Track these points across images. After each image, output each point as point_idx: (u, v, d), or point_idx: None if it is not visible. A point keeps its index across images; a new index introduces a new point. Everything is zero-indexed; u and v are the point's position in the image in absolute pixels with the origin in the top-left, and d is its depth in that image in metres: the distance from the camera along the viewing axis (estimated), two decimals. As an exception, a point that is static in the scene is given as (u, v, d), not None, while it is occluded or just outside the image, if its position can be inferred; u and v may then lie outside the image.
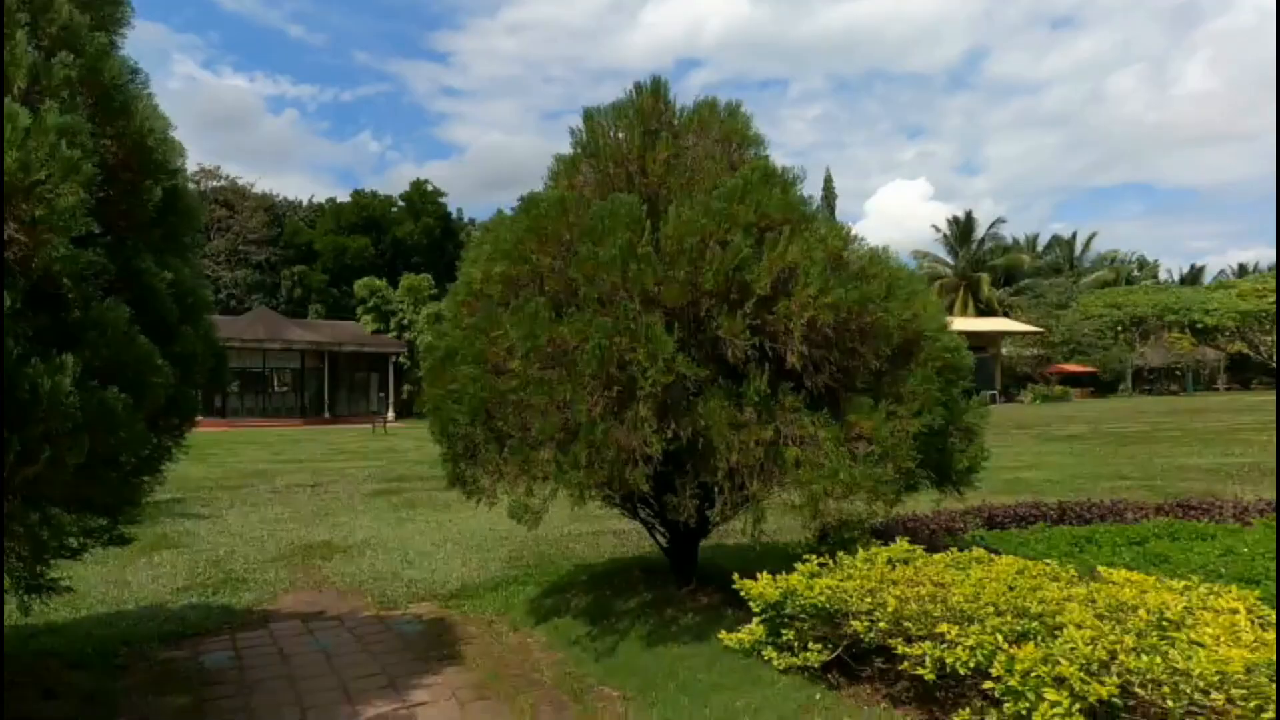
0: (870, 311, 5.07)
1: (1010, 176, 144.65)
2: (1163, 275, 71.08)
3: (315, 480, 14.76)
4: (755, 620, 4.35)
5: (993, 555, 4.34)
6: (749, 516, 4.83)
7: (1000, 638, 3.04)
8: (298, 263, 53.82)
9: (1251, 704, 2.43)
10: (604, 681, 4.48)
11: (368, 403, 43.25)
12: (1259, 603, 3.37)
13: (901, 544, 4.69)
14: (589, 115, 5.85)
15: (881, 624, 3.56)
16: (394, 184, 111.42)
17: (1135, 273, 68.49)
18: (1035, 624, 3.16)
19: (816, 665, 3.92)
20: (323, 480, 14.75)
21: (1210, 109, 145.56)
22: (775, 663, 4.10)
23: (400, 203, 56.64)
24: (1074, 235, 72.40)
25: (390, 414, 40.36)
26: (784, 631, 4.09)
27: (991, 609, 3.31)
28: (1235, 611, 3.18)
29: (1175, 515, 7.36)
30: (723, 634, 4.43)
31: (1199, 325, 54.30)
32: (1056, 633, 3.06)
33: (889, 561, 4.38)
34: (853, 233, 5.73)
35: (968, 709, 3.22)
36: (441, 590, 6.89)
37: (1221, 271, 71.59)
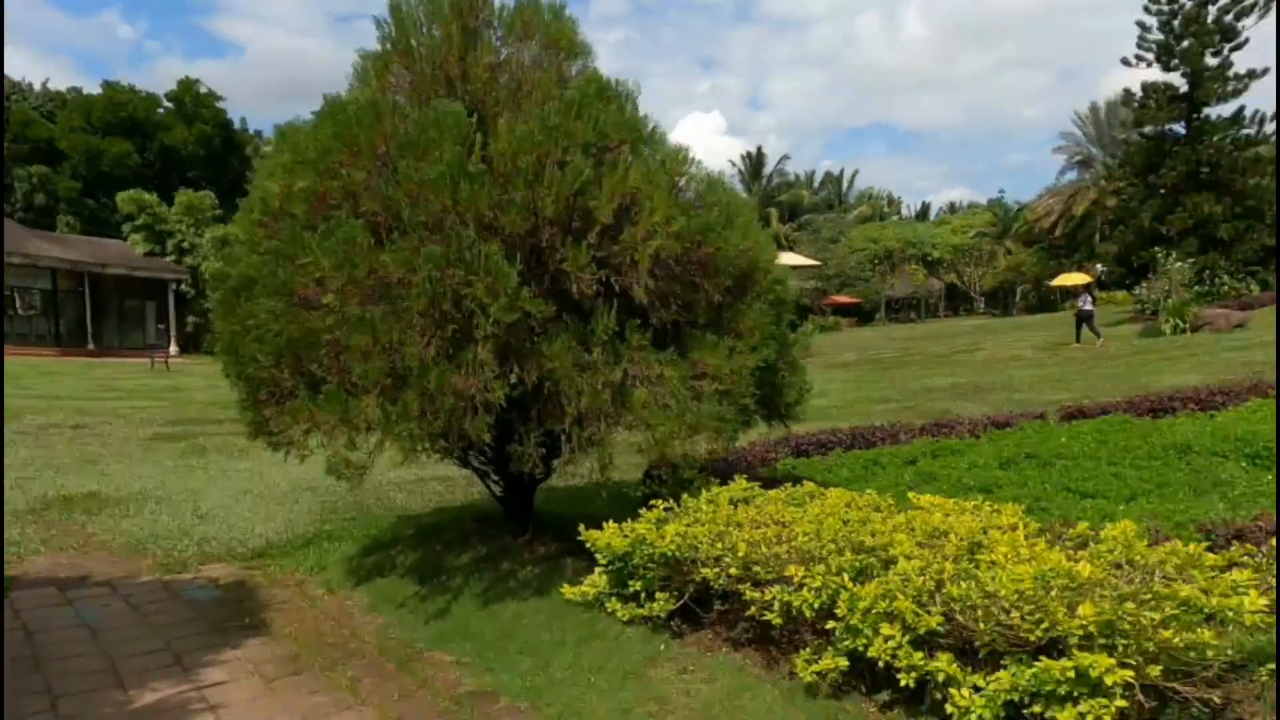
0: (712, 241, 4.94)
1: (790, 114, 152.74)
2: (904, 211, 77.67)
3: (79, 421, 12.61)
4: (598, 571, 4.21)
5: (823, 490, 4.46)
6: (594, 460, 4.62)
7: (846, 578, 3.08)
8: (34, 161, 45.29)
9: (1037, 619, 2.56)
10: (436, 646, 4.15)
11: (144, 335, 38.12)
12: (1024, 515, 3.71)
13: (740, 482, 4.71)
14: (396, 6, 5.10)
15: (732, 569, 3.53)
16: (157, 81, 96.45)
17: (885, 209, 74.56)
18: (871, 559, 3.23)
19: (662, 615, 3.85)
20: (88, 421, 12.62)
21: (924, 56, 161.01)
22: (620, 614, 3.99)
23: (167, 103, 48.96)
24: (841, 172, 77.40)
25: (173, 349, 35.98)
26: (631, 582, 3.98)
27: (833, 546, 3.36)
28: (1014, 528, 3.44)
29: (932, 435, 8.25)
30: (565, 588, 4.25)
31: (929, 258, 60.81)
32: (890, 565, 3.15)
33: (732, 502, 4.38)
34: (690, 157, 5.54)
35: (807, 649, 3.27)
36: (242, 549, 6.13)
37: (940, 209, 79.35)
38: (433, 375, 3.93)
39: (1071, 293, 26.56)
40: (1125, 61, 29.21)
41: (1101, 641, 2.34)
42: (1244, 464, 5.51)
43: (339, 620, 4.67)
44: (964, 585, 2.71)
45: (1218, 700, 2.35)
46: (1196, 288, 22.58)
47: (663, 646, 3.73)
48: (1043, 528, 3.40)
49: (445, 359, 4.04)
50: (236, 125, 52.01)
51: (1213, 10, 27.25)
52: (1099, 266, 40.24)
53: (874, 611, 2.86)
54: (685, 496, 4.49)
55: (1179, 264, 22.61)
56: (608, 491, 6.15)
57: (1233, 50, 27.25)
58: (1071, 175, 57.88)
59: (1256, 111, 27.73)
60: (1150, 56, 28.45)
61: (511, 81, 5.28)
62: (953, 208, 77.90)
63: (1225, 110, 27.80)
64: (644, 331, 4.76)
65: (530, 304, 4.24)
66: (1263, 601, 2.34)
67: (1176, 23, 27.81)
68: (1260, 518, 3.88)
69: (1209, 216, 25.95)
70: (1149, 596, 2.37)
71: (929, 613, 2.74)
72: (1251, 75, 27.01)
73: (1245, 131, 27.59)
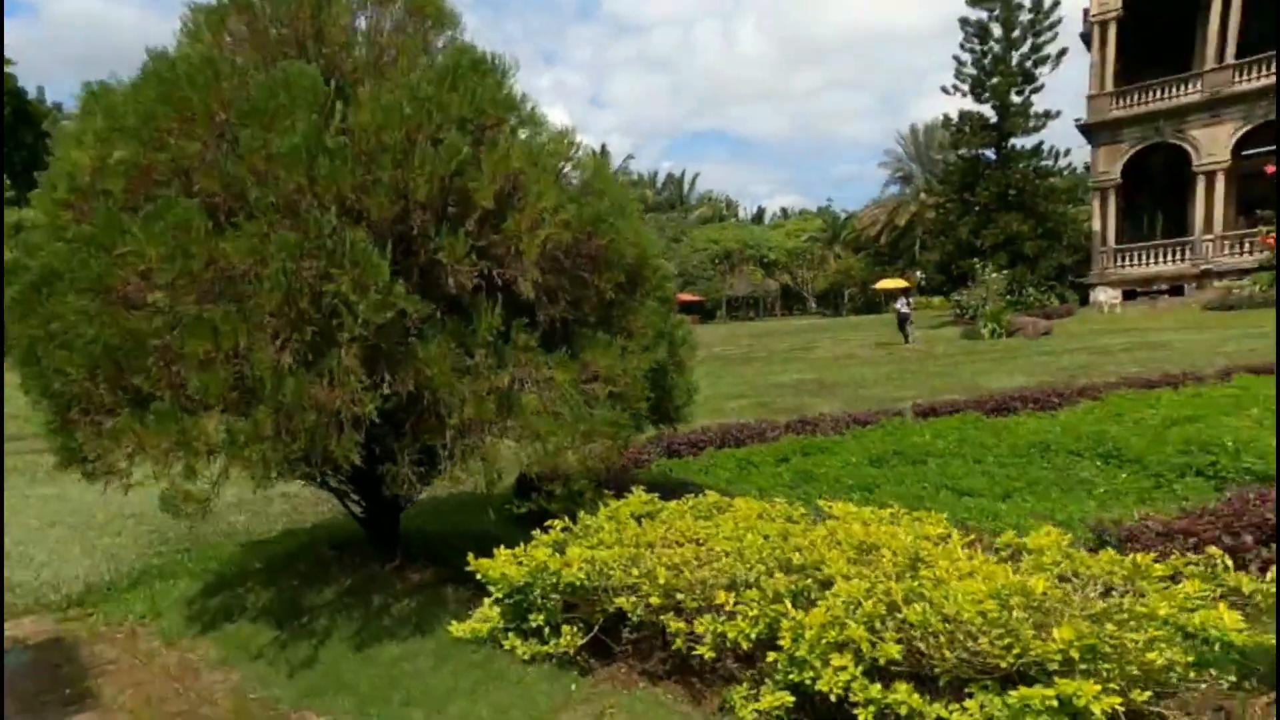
0: (604, 233, 4.58)
1: (632, 114, 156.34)
2: (741, 214, 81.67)
3: None
4: (489, 603, 3.71)
5: (730, 501, 4.21)
6: (478, 475, 4.10)
7: (789, 604, 2.81)
8: None
9: (1006, 644, 2.42)
10: (306, 704, 3.45)
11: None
12: (945, 521, 3.65)
13: (640, 494, 4.37)
14: (232, -50, 4.35)
15: (652, 598, 3.16)
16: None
17: (725, 211, 78.26)
18: (807, 580, 2.99)
19: (570, 651, 3.42)
20: None
21: (760, 68, 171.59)
22: (520, 652, 3.52)
23: (-64, 67, 41.70)
24: (683, 174, 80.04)
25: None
26: (531, 616, 3.51)
27: (762, 568, 3.10)
28: (947, 538, 3.34)
29: (797, 432, 8.38)
30: (452, 624, 3.71)
31: (766, 259, 64.48)
32: (828, 586, 2.93)
33: (635, 518, 4.03)
34: (576, 141, 5.18)
35: (743, 684, 2.98)
36: (55, 595, 5.00)
37: (774, 214, 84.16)
38: (289, 387, 3.27)
39: (893, 296, 28.87)
40: (945, 90, 32.34)
41: (1083, 666, 2.20)
42: (1099, 463, 5.86)
43: (183, 680, 3.81)
44: (919, 608, 2.51)
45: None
46: (1008, 297, 24.92)
47: (573, 687, 3.30)
48: (974, 538, 3.30)
49: (304, 367, 3.39)
50: (32, 95, 45.28)
51: (1016, 55, 30.84)
52: (919, 274, 43.87)
53: (823, 641, 2.60)
54: (582, 514, 4.09)
55: (995, 274, 24.88)
56: (474, 501, 5.61)
57: (1032, 92, 31.01)
58: (894, 189, 62.94)
59: (1052, 147, 32.18)
60: (965, 87, 31.75)
61: (373, 48, 4.67)
62: (785, 213, 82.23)
63: (1029, 142, 31.64)
64: (531, 331, 4.32)
65: (406, 301, 3.68)
66: (1239, 617, 2.30)
67: (987, 61, 31.14)
68: (1147, 519, 4.03)
69: (1017, 234, 29.01)
70: (1126, 616, 2.26)
71: (883, 639, 2.52)
72: (1048, 115, 30.93)
73: (1045, 163, 31.58)
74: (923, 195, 54.32)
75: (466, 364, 3.97)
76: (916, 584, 2.70)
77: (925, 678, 2.56)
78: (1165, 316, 22.61)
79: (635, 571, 3.29)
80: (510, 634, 3.58)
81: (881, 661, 2.51)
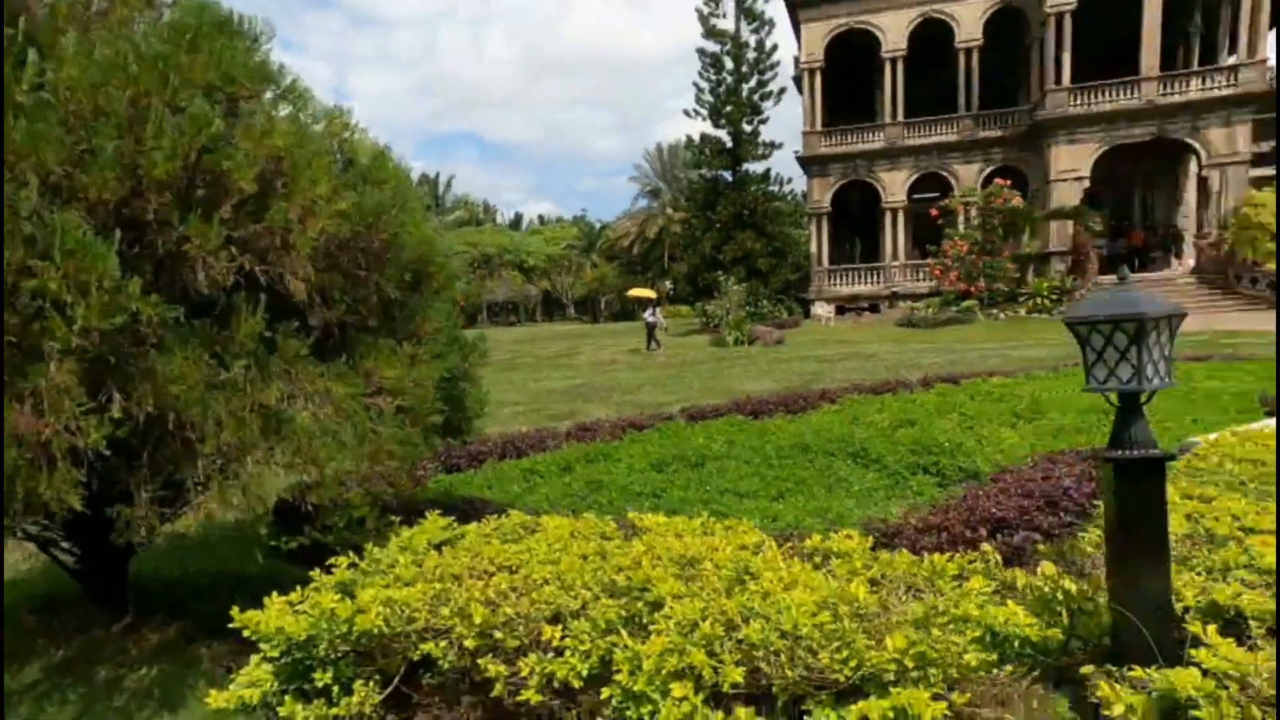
0: (387, 226, 4.15)
1: (378, 110, 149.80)
2: (499, 219, 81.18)
3: None
4: (257, 661, 3.10)
5: (537, 519, 3.97)
6: (236, 505, 3.45)
7: (625, 634, 2.64)
8: None
9: (844, 656, 2.49)
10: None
11: None
12: (755, 529, 3.75)
13: (435, 519, 3.97)
14: None
15: (467, 640, 2.82)
16: None
17: (482, 215, 77.55)
18: (638, 604, 2.86)
19: (367, 710, 2.96)
20: None
21: (508, 77, 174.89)
22: (300, 717, 2.97)
23: None
24: (437, 175, 77.77)
25: None
26: (317, 674, 2.99)
27: (587, 594, 2.91)
28: (761, 546, 3.42)
29: (577, 439, 8.40)
30: (211, 693, 3.05)
31: (525, 265, 65.16)
32: (658, 608, 2.82)
33: (433, 546, 3.64)
34: (352, 122, 4.68)
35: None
36: None
37: (531, 220, 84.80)
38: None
39: (644, 304, 30.48)
40: (687, 113, 35.01)
41: (914, 674, 2.28)
42: (850, 462, 6.47)
43: None
44: (759, 626, 2.48)
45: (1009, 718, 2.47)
46: (747, 308, 27.19)
47: (370, 754, 2.85)
48: (790, 545, 3.37)
49: (-6, 384, 2.59)
50: None
51: (745, 89, 34.24)
52: (668, 283, 46.46)
53: (663, 671, 2.47)
54: (369, 546, 3.60)
55: (736, 287, 27.05)
56: (227, 538, 4.85)
57: (760, 123, 34.68)
58: (644, 202, 66.11)
59: (778, 174, 35.91)
60: (705, 112, 34.65)
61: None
62: (542, 220, 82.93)
63: (760, 168, 35.33)
64: (303, 337, 3.78)
65: (141, 303, 2.99)
66: (1030, 615, 2.54)
67: (722, 90, 34.21)
68: (908, 516, 4.46)
69: (751, 251, 32.03)
70: (946, 620, 2.39)
71: (724, 663, 2.45)
72: (773, 145, 34.80)
73: (772, 188, 35.42)
74: (669, 210, 57.79)
75: (222, 378, 3.33)
76: (747, 599, 2.68)
77: (760, 698, 2.54)
78: (868, 330, 26.07)
79: (445, 611, 2.93)
80: (288, 697, 3.01)
81: (725, 687, 2.44)
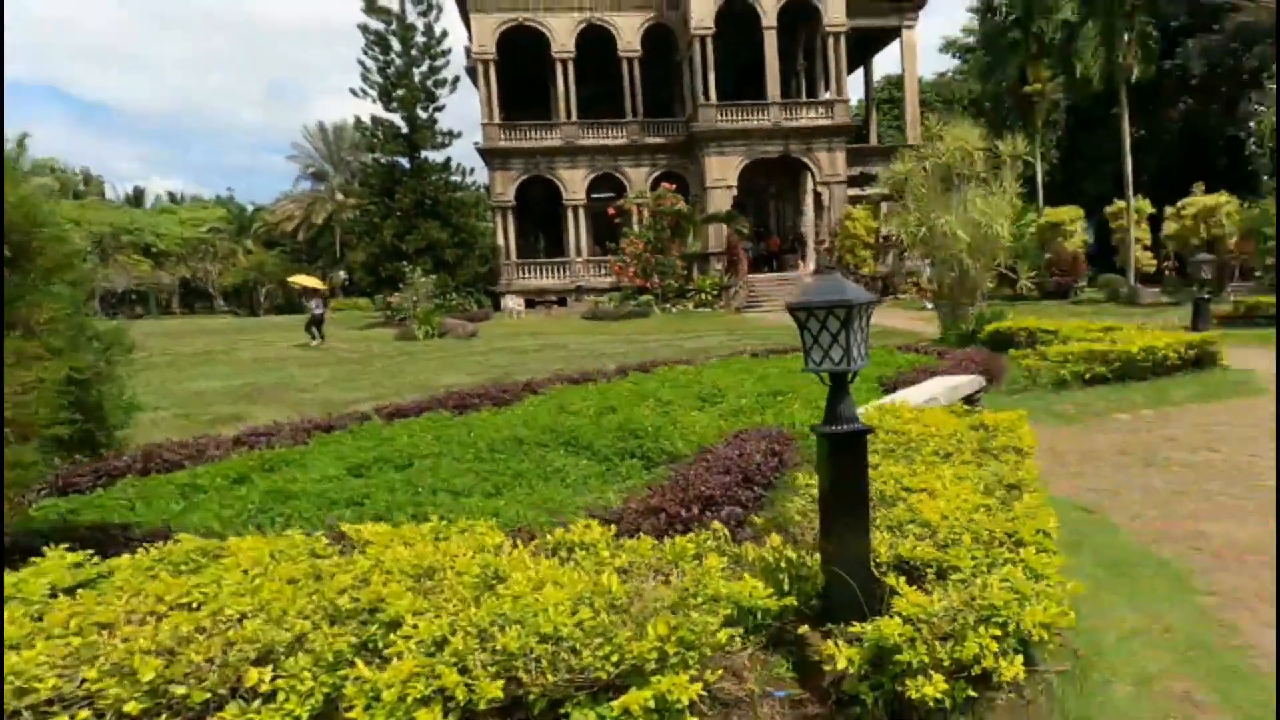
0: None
1: None
2: (110, 194, 66.25)
3: None
4: None
5: (222, 543, 3.28)
6: None
7: (361, 664, 2.24)
8: None
9: (606, 652, 2.38)
10: None
11: None
12: (490, 525, 3.53)
13: (57, 555, 3.06)
14: None
15: (130, 705, 2.17)
16: None
17: (83, 187, 62.34)
18: (372, 628, 2.47)
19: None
20: None
21: (107, 22, 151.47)
22: None
23: None
24: None
25: None
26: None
27: (306, 624, 2.45)
28: (502, 546, 3.21)
29: (249, 446, 7.34)
30: None
31: (153, 249, 55.12)
32: (395, 628, 2.47)
33: (61, 591, 2.80)
34: None
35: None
36: None
37: (159, 197, 69.97)
38: None
39: (309, 293, 27.74)
40: (354, 92, 32.22)
41: (674, 660, 2.24)
42: (563, 451, 6.46)
43: None
44: (515, 633, 2.26)
45: (748, 689, 2.54)
46: (436, 300, 26.24)
47: None
48: (537, 542, 3.17)
49: None
50: None
51: (418, 73, 32.15)
52: (342, 274, 42.98)
53: (409, 699, 2.13)
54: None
55: (423, 278, 25.90)
56: None
57: (436, 110, 32.67)
58: (307, 184, 60.19)
59: (460, 164, 34.44)
60: (375, 94, 31.85)
61: None
62: (174, 198, 70.76)
63: (440, 156, 33.58)
64: None
65: None
66: (769, 589, 2.66)
67: (391, 73, 31.81)
68: (629, 500, 4.54)
69: (437, 241, 30.75)
70: (700, 600, 2.39)
71: (479, 680, 2.18)
72: (452, 134, 33.23)
73: (454, 178, 33.75)
74: (339, 195, 53.46)
75: None
76: (498, 604, 2.45)
77: (516, 708, 2.33)
78: (558, 323, 26.88)
79: (91, 672, 2.24)
80: None
81: (481, 705, 2.18)
